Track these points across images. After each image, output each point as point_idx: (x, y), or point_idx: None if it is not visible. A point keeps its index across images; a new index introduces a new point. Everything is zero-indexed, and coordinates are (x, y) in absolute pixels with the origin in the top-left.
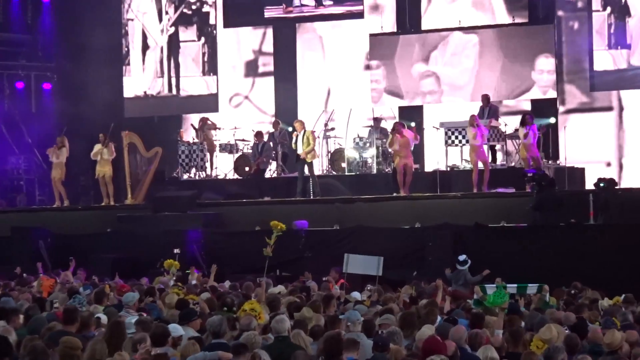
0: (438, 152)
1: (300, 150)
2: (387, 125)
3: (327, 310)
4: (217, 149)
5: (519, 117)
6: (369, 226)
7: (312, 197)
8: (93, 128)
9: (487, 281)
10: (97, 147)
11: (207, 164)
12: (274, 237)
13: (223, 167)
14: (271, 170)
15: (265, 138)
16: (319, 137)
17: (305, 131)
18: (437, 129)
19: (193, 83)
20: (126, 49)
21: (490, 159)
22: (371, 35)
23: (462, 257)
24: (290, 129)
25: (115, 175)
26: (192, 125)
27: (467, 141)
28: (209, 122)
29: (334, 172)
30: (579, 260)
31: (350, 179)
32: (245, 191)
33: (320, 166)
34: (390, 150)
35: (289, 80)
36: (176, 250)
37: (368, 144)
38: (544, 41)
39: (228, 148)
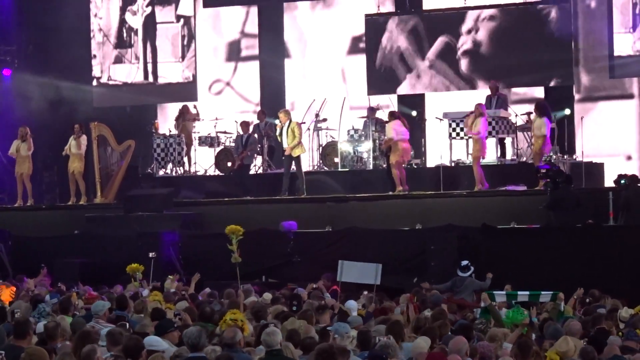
0: (441, 146)
1: (285, 144)
2: (385, 115)
3: (320, 321)
4: (195, 142)
5: (530, 107)
6: (364, 228)
7: (299, 196)
8: (58, 119)
9: (496, 288)
10: (71, 140)
11: (185, 159)
12: (235, 243)
13: (203, 162)
14: (256, 166)
15: (251, 130)
16: (309, 129)
17: (290, 122)
18: (441, 120)
19: (171, 69)
20: (95, 30)
21: (499, 154)
22: (367, 16)
23: (464, 263)
24: (277, 121)
25: (86, 171)
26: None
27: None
28: (191, 112)
29: (325, 168)
30: (597, 266)
31: (344, 176)
32: (227, 189)
33: (310, 161)
34: (384, 146)
35: (276, 65)
36: (151, 254)
37: (363, 137)
38: (558, 22)
39: (208, 141)
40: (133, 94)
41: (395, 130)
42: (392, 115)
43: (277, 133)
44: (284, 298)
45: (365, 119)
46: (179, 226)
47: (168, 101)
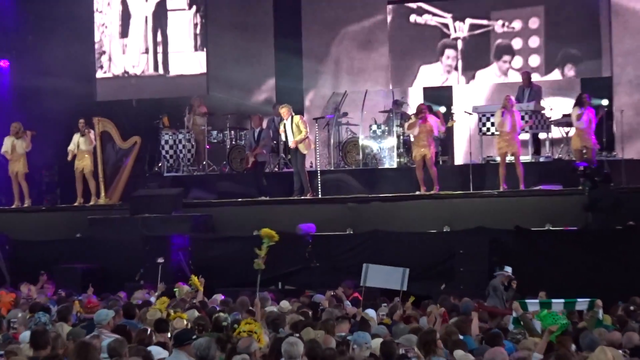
0: (471, 142)
1: (290, 140)
2: (410, 110)
3: (339, 331)
4: (206, 138)
5: (566, 99)
6: (387, 230)
7: (306, 196)
8: (58, 114)
9: (530, 295)
10: (75, 138)
11: (196, 157)
12: (264, 248)
13: (214, 160)
14: (271, 164)
15: (264, 125)
16: (328, 124)
17: (293, 117)
18: (470, 114)
19: (183, 60)
20: (100, 19)
21: (533, 150)
22: (390, 3)
23: (508, 269)
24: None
25: (95, 169)
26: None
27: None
28: (201, 106)
29: (346, 166)
30: (639, 271)
31: (366, 174)
32: (240, 189)
33: (330, 159)
34: (407, 133)
35: (293, 53)
36: (159, 260)
37: (387, 133)
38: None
39: (220, 137)
40: (140, 86)
41: (437, 127)
42: (428, 109)
43: (281, 129)
44: (302, 306)
45: (388, 113)
46: (189, 229)
47: (179, 94)
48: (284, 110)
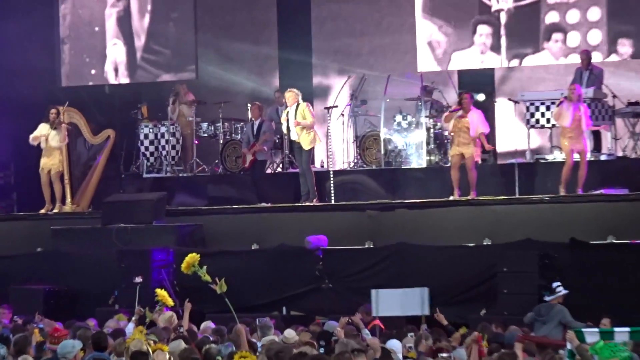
0: (517, 137)
1: (293, 134)
2: (442, 98)
3: None
4: (195, 131)
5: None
6: (415, 244)
7: (311, 203)
8: (13, 102)
9: (588, 323)
10: (43, 128)
11: (182, 154)
12: (205, 274)
13: (204, 158)
14: (274, 164)
15: (266, 116)
16: (342, 114)
17: (299, 104)
18: (516, 102)
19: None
20: None
21: (592, 147)
22: None
23: (555, 284)
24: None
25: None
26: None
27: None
28: (189, 93)
29: (365, 166)
30: None
31: (389, 176)
32: (236, 193)
33: (345, 156)
34: (445, 126)
35: (300, 31)
36: (137, 279)
37: (414, 125)
38: None
39: (211, 131)
40: (116, 68)
41: (482, 121)
42: (471, 99)
43: (283, 117)
44: (311, 336)
45: (416, 101)
46: (174, 242)
47: (163, 78)
48: (290, 95)
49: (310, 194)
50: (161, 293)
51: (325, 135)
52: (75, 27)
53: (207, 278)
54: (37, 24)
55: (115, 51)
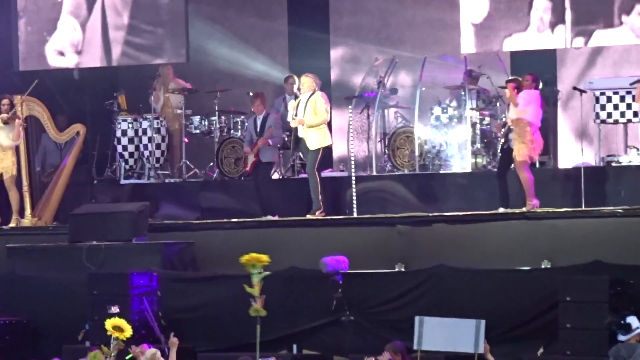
0: (582, 135)
1: (301, 130)
2: (490, 85)
3: None
4: (183, 126)
5: None
6: (457, 267)
7: (315, 216)
8: None
9: None
10: None
11: (168, 155)
12: (258, 282)
13: (196, 160)
14: (282, 167)
15: (272, 108)
16: (367, 106)
17: (313, 93)
18: (583, 92)
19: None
20: None
21: None
22: None
23: (630, 319)
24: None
25: (20, 175)
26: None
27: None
28: (176, 77)
29: (395, 170)
30: None
31: (424, 182)
32: (235, 203)
33: (371, 159)
34: (508, 115)
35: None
36: (113, 309)
37: (455, 120)
38: None
39: (205, 126)
40: (84, 49)
41: (529, 103)
42: (532, 81)
43: (291, 105)
44: None
45: (458, 90)
46: (158, 264)
47: (144, 61)
48: (306, 81)
49: (314, 204)
50: (114, 323)
51: (346, 132)
52: None
53: (253, 292)
54: None
55: (81, 27)
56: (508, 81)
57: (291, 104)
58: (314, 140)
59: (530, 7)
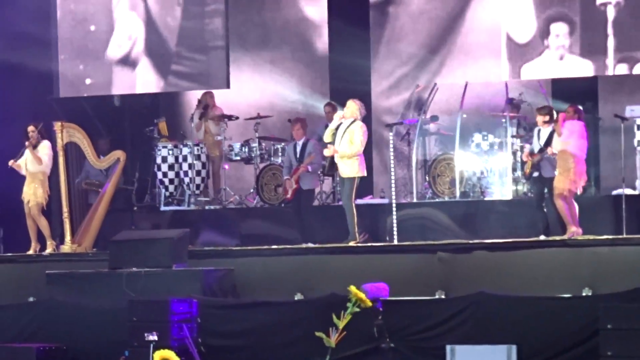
0: (623, 161)
1: (337, 157)
2: (531, 113)
3: None
4: (224, 153)
5: None
6: (498, 294)
7: (349, 244)
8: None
9: None
10: (27, 152)
11: (208, 182)
12: (347, 315)
13: (236, 187)
14: (322, 194)
15: (313, 135)
16: (408, 133)
17: (354, 122)
18: (624, 119)
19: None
20: None
21: None
22: None
23: None
24: (338, 115)
25: (52, 202)
26: (198, 103)
27: None
28: (214, 107)
29: (435, 197)
30: None
31: (465, 209)
32: (275, 230)
33: (411, 186)
34: (555, 145)
35: (355, 28)
36: (152, 336)
37: (497, 147)
38: None
39: (245, 153)
40: (125, 76)
41: (572, 134)
42: (574, 112)
43: (328, 133)
44: None
45: (500, 118)
46: (199, 290)
47: (186, 88)
48: (351, 106)
49: (350, 235)
50: (163, 355)
51: (387, 159)
52: (67, 25)
53: (341, 323)
54: (29, 21)
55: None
56: (539, 110)
57: (331, 125)
58: (348, 169)
59: (573, 32)
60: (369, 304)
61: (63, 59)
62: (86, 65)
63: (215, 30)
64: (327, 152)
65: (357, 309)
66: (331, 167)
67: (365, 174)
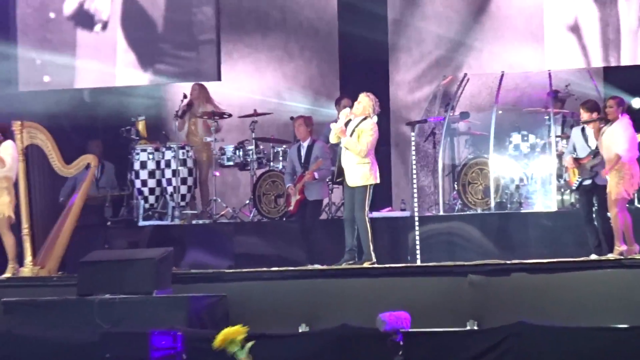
0: None
1: (343, 158)
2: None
3: None
4: (215, 158)
5: None
6: (540, 324)
7: (364, 265)
8: None
9: None
10: None
11: (196, 191)
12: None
13: (230, 196)
14: (332, 205)
15: (320, 135)
16: (434, 132)
17: (366, 119)
18: None
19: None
20: None
21: None
22: None
23: None
24: (345, 112)
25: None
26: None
27: None
28: (207, 99)
29: (465, 209)
30: None
31: (502, 223)
32: (276, 249)
33: (437, 195)
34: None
35: (370, 13)
36: None
37: (539, 149)
38: None
39: (240, 157)
40: (97, 67)
41: (627, 136)
42: (617, 105)
43: (334, 132)
44: None
45: (543, 114)
46: (184, 321)
47: (168, 80)
48: (364, 101)
49: (365, 254)
50: None
51: (408, 164)
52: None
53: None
54: None
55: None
56: (583, 105)
57: (337, 123)
58: (356, 175)
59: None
60: (240, 330)
61: (22, 47)
62: (47, 52)
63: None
64: (333, 127)
65: (247, 345)
66: (340, 175)
67: (379, 181)
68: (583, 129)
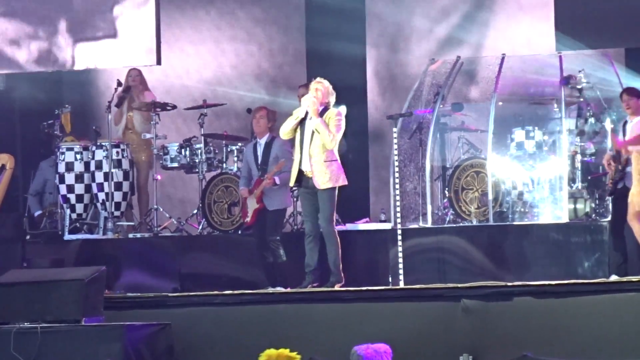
0: None
1: (305, 160)
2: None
3: None
4: (154, 158)
5: None
6: (549, 359)
7: (331, 286)
8: None
9: None
10: None
11: (133, 199)
12: None
13: (173, 205)
14: (296, 214)
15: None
16: (419, 129)
17: (327, 110)
18: None
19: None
20: None
21: None
22: None
23: None
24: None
25: None
26: (117, 86)
27: None
28: (144, 90)
29: (459, 220)
30: None
31: (502, 238)
32: (229, 269)
33: (424, 204)
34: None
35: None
36: None
37: (547, 148)
38: None
39: (185, 158)
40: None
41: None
42: (638, 97)
43: (289, 127)
44: None
45: (551, 105)
46: (120, 354)
47: (93, 65)
48: (317, 88)
49: (332, 274)
50: None
51: (389, 165)
52: None
53: None
54: None
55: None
56: (626, 91)
57: (294, 115)
58: (324, 175)
59: None
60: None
61: None
62: None
63: None
64: (297, 112)
65: None
66: (299, 179)
67: (347, 182)
68: (625, 123)
